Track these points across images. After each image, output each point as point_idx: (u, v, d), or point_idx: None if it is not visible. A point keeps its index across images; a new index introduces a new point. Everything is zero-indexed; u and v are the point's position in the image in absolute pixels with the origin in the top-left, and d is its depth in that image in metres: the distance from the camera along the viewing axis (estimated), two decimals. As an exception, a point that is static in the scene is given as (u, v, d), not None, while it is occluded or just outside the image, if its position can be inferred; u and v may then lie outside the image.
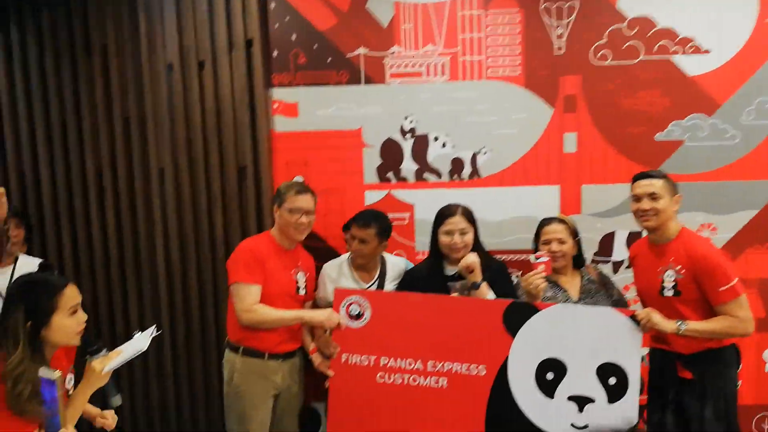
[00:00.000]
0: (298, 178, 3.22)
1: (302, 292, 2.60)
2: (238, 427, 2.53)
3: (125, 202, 3.21)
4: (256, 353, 2.51)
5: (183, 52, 3.11)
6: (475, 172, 3.24)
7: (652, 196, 2.38)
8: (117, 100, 3.16)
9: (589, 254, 3.22)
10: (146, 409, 3.31)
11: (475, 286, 2.40)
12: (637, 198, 2.44)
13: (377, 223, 2.68)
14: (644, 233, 2.64)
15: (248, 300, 2.43)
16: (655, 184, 2.40)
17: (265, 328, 2.48)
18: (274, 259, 2.54)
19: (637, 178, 2.48)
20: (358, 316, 2.42)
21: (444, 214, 2.50)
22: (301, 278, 2.61)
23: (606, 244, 3.24)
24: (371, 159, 3.24)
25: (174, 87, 3.14)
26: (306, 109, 3.21)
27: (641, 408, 2.54)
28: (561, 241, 2.56)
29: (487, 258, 2.49)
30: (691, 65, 3.13)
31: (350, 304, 2.42)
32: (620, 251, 3.21)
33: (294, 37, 3.16)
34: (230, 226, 3.19)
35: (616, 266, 3.24)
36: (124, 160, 3.20)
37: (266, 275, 2.49)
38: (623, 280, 3.10)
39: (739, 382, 3.16)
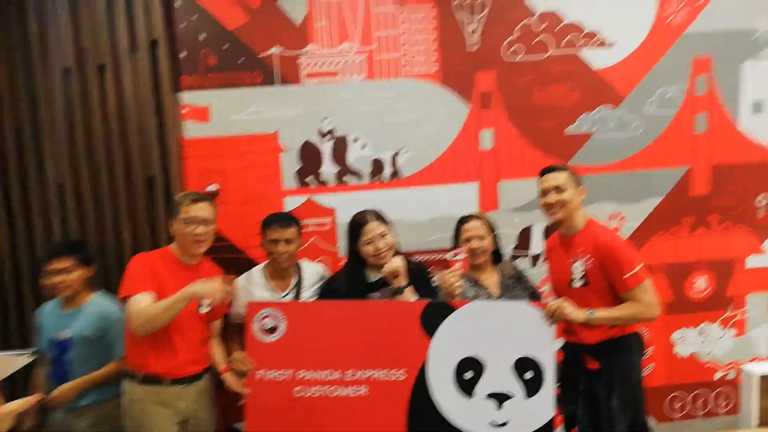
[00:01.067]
0: (212, 187, 3.09)
1: (204, 309, 2.46)
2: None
3: (21, 223, 2.97)
4: (155, 380, 2.37)
5: (80, 55, 2.90)
6: (396, 172, 3.22)
7: (558, 189, 2.45)
8: (7, 110, 2.91)
9: (508, 249, 3.30)
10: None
11: (400, 291, 2.38)
12: (544, 192, 2.51)
13: (295, 221, 2.62)
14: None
15: (139, 305, 2.27)
16: (560, 177, 2.47)
17: (160, 350, 2.33)
18: (172, 275, 2.39)
19: (543, 172, 2.55)
20: (273, 330, 2.34)
21: (358, 223, 2.45)
22: None
23: (524, 238, 3.32)
24: (289, 163, 3.15)
25: (72, 94, 2.92)
26: (218, 113, 3.07)
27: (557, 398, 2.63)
28: (480, 238, 2.59)
29: (405, 260, 2.47)
30: (596, 59, 3.23)
31: (264, 318, 2.33)
32: (538, 244, 3.30)
33: (202, 36, 3.01)
34: (140, 242, 3.01)
35: (535, 259, 3.33)
36: (18, 175, 2.94)
37: (163, 293, 2.33)
38: (541, 273, 3.19)
39: (648, 368, 3.40)
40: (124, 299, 2.34)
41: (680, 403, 3.49)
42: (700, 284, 3.42)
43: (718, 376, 3.48)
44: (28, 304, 3.03)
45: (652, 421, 3.44)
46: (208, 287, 2.26)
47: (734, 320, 3.45)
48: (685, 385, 3.47)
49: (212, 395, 2.57)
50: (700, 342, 3.45)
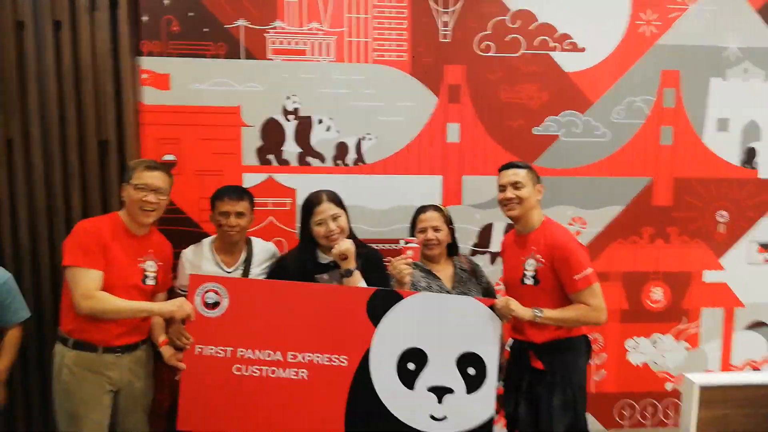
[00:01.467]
0: (168, 157, 2.99)
1: (150, 282, 2.38)
2: (69, 427, 2.28)
3: (-35, 175, 2.83)
4: (88, 346, 2.28)
5: (36, 9, 2.77)
6: (359, 158, 3.16)
7: (516, 186, 2.42)
8: (-45, 60, 2.78)
9: (467, 245, 3.26)
10: None
11: (348, 274, 2.31)
12: (502, 187, 2.47)
13: (248, 195, 2.56)
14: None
15: (89, 285, 2.19)
16: (519, 174, 2.44)
17: (105, 319, 2.24)
18: (118, 244, 2.30)
19: (502, 168, 2.52)
20: (215, 305, 2.25)
21: (311, 203, 2.38)
22: (150, 267, 2.38)
23: (484, 235, 3.28)
24: (251, 140, 3.07)
25: (25, 48, 2.80)
26: (179, 82, 2.98)
27: (500, 397, 2.58)
28: (436, 229, 2.55)
29: (360, 245, 2.40)
30: (568, 62, 3.23)
31: (206, 292, 2.25)
32: (497, 242, 3.27)
33: (167, 1, 2.92)
34: (90, 207, 2.90)
35: (494, 257, 3.29)
36: (-36, 127, 2.82)
37: (107, 261, 2.25)
38: (499, 271, 3.15)
39: (600, 374, 3.38)
40: (65, 267, 2.25)
41: (629, 411, 3.47)
42: (656, 295, 3.42)
43: (669, 387, 3.47)
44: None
45: (600, 427, 3.43)
46: (169, 307, 2.23)
47: (688, 333, 3.45)
48: (636, 394, 3.46)
49: (149, 366, 2.48)
50: (652, 352, 3.44)
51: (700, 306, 3.46)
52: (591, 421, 3.36)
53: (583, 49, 3.24)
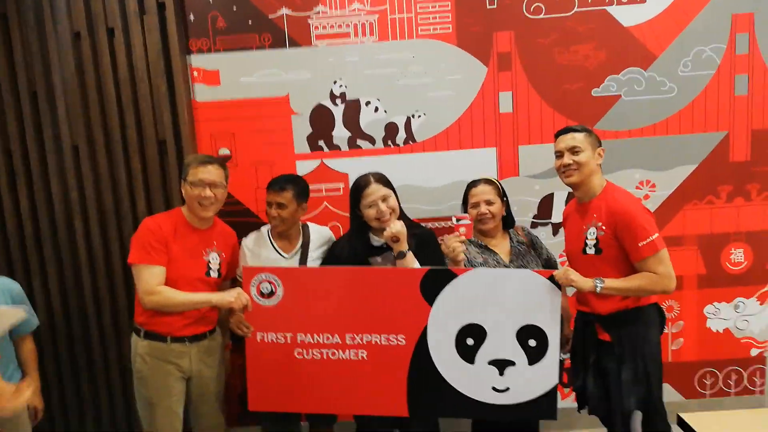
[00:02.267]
0: (224, 151, 3.07)
1: (214, 274, 2.44)
2: (145, 412, 2.41)
3: (39, 183, 3.02)
4: (158, 336, 2.38)
5: (90, 18, 2.91)
6: (409, 137, 3.12)
7: (573, 150, 2.30)
8: (22, 74, 2.95)
9: (528, 217, 3.16)
10: (77, 396, 3.17)
11: (401, 256, 2.29)
12: (559, 153, 2.36)
13: (293, 185, 2.55)
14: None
15: (151, 281, 2.29)
16: (577, 138, 2.31)
17: (170, 312, 2.34)
18: (182, 239, 2.37)
19: (558, 133, 2.39)
20: (270, 294, 2.30)
21: (359, 187, 2.36)
22: (215, 259, 2.45)
23: (545, 206, 3.17)
24: (301, 127, 3.10)
25: (83, 57, 2.94)
26: (228, 77, 3.04)
27: (568, 371, 2.51)
28: (489, 202, 2.48)
29: (412, 226, 2.38)
30: (626, 15, 3.04)
31: (261, 282, 2.29)
32: (559, 213, 3.14)
33: (211, -2, 2.97)
34: (154, 205, 3.03)
35: (555, 228, 3.18)
36: (35, 138, 2.99)
37: (171, 257, 2.33)
38: (562, 243, 3.04)
39: (678, 342, 3.22)
40: (131, 264, 2.35)
41: (711, 380, 3.30)
42: (738, 257, 3.20)
43: (755, 353, 3.27)
44: (52, 269, 3.10)
45: (680, 398, 3.28)
46: (228, 298, 2.28)
47: (774, 295, 3.22)
48: (718, 362, 3.28)
49: (219, 355, 2.56)
50: (735, 317, 3.24)
51: (787, 266, 3.21)
52: (670, 391, 3.23)
53: (643, 1, 3.03)
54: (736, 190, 3.16)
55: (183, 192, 2.40)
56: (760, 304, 3.23)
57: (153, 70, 2.93)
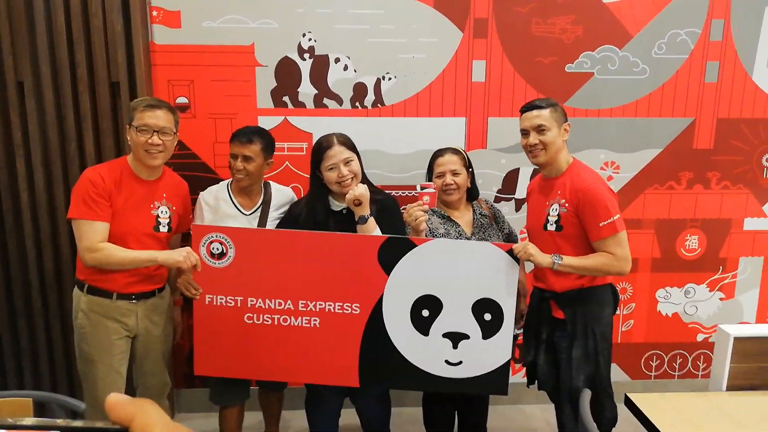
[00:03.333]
0: (181, 100, 2.91)
1: (164, 229, 2.31)
2: (85, 368, 2.30)
3: (-22, 118, 2.80)
4: (102, 293, 2.25)
5: (41, -57, 2.67)
6: (378, 99, 3.02)
7: (539, 129, 2.24)
8: (-38, -1, 2.70)
9: (492, 191, 3.13)
10: (14, 347, 3.02)
11: (362, 221, 2.21)
12: (524, 132, 2.30)
13: (260, 138, 2.43)
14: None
15: (92, 238, 2.14)
16: (543, 115, 2.24)
17: (114, 269, 2.21)
18: (127, 191, 2.22)
19: (523, 109, 2.32)
20: (221, 255, 2.19)
21: (321, 147, 2.25)
22: (164, 213, 2.30)
23: (510, 180, 3.14)
24: (265, 80, 2.95)
25: (31, -16, 2.70)
26: (190, 20, 2.85)
27: (521, 347, 2.51)
28: (455, 173, 2.42)
29: (374, 191, 2.30)
30: (605, -9, 2.97)
31: (211, 242, 2.17)
32: (523, 189, 3.12)
33: (175, -67, 2.77)
34: (104, 149, 2.86)
35: (519, 203, 3.15)
36: (-25, 70, 2.77)
37: (115, 210, 2.18)
38: (525, 219, 3.02)
39: (628, 324, 3.27)
40: (72, 219, 2.20)
41: (657, 362, 3.38)
42: (692, 243, 3.25)
43: (700, 338, 3.35)
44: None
45: (626, 378, 3.35)
46: (176, 257, 2.14)
47: (723, 282, 3.30)
48: (665, 344, 3.36)
49: (168, 313, 2.45)
50: (684, 302, 3.31)
51: (738, 255, 3.28)
52: (616, 371, 3.29)
53: (623, -23, 2.97)
54: (696, 177, 3.19)
55: (128, 138, 2.24)
56: (710, 291, 3.31)
57: (108, 4, 2.72)
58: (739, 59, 3.07)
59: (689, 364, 3.40)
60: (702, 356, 3.39)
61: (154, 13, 2.83)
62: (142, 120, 2.17)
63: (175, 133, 2.26)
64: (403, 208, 2.34)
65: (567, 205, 2.21)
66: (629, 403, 2.03)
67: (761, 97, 3.12)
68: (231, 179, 2.54)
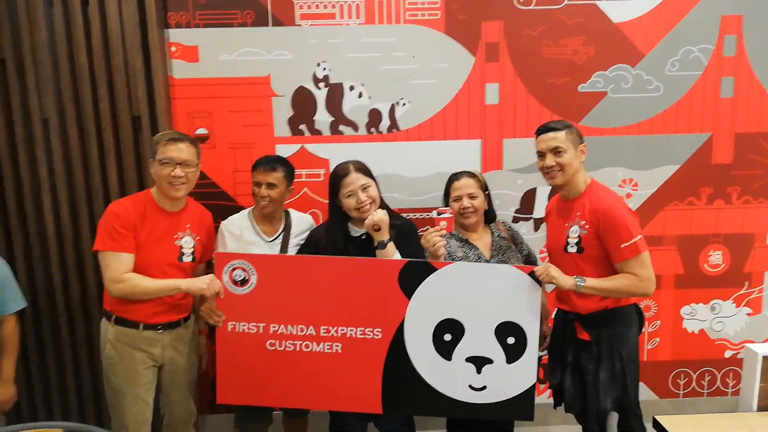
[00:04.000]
0: (201, 131, 2.97)
1: (188, 259, 2.35)
2: (113, 399, 2.33)
3: (6, 157, 2.88)
4: (129, 323, 2.29)
5: (63, -15, 2.76)
6: (393, 124, 3.05)
7: (556, 151, 2.24)
8: (-11, 41, 2.80)
9: (510, 212, 3.13)
10: (43, 378, 3.06)
11: (382, 245, 2.23)
12: (541, 154, 2.30)
13: (283, 166, 2.49)
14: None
15: (118, 269, 2.19)
16: (559, 137, 2.25)
17: (140, 299, 2.25)
18: (151, 223, 2.27)
19: (539, 132, 2.32)
20: (244, 282, 2.21)
21: (338, 176, 2.28)
22: (188, 243, 2.35)
23: (527, 200, 3.14)
24: (282, 110, 3.01)
25: (55, 25, 2.79)
26: (207, 54, 2.93)
27: (545, 367, 2.48)
28: (472, 196, 2.42)
29: (391, 217, 2.31)
30: (616, 11, 3.00)
31: (234, 270, 2.20)
32: (541, 208, 3.12)
33: (192, -29, 2.85)
34: (127, 184, 2.92)
35: (537, 223, 3.15)
36: (2, 110, 2.85)
37: (140, 242, 2.23)
38: (543, 238, 3.01)
39: (653, 342, 3.23)
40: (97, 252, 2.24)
41: (685, 380, 3.32)
42: (716, 258, 3.21)
43: (728, 354, 3.29)
44: (18, 247, 2.97)
45: (654, 397, 3.29)
46: (199, 285, 2.18)
47: (749, 298, 3.24)
48: (692, 362, 3.30)
49: (193, 343, 2.48)
50: (710, 318, 3.26)
51: (764, 269, 3.23)
52: (644, 390, 3.23)
53: (633, -3, 3.00)
54: (716, 193, 3.17)
55: (152, 171, 2.29)
56: (736, 307, 3.25)
57: (129, 42, 2.81)
58: (754, 74, 3.06)
59: (718, 381, 3.33)
60: (731, 373, 3.32)
61: (173, 49, 2.91)
62: (166, 153, 2.23)
63: (197, 165, 2.31)
64: (424, 229, 2.35)
65: (587, 226, 2.21)
66: (657, 426, 2.00)
67: (777, 110, 3.10)
68: (252, 207, 2.58)
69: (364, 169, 2.30)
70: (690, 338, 3.27)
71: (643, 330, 2.41)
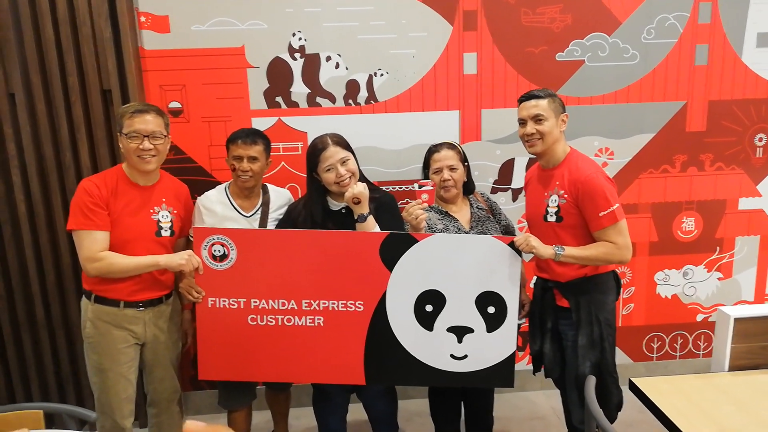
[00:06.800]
0: (174, 104, 2.90)
1: (166, 233, 2.31)
2: (95, 378, 2.30)
3: (-29, 132, 2.79)
4: (109, 301, 2.26)
5: (24, -48, 2.65)
6: (371, 96, 3.02)
7: (537, 119, 2.25)
8: (-52, 12, 2.68)
9: (488, 182, 3.14)
10: (20, 359, 3.02)
11: (362, 218, 2.22)
12: (522, 121, 2.31)
13: (262, 139, 2.45)
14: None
15: (93, 248, 2.15)
16: (540, 105, 2.25)
17: (118, 278, 2.22)
18: (124, 197, 2.22)
19: (521, 99, 2.33)
20: (223, 258, 2.19)
21: (317, 149, 2.25)
22: (165, 217, 2.31)
23: (506, 171, 3.15)
24: (257, 82, 2.95)
25: (17, -5, 2.69)
26: (179, 24, 2.84)
27: (522, 334, 2.52)
28: (452, 168, 2.42)
29: (371, 189, 2.30)
30: (593, -21, 2.98)
31: (212, 245, 2.18)
32: (519, 179, 3.14)
33: (160, -63, 2.75)
34: (99, 158, 2.85)
35: (516, 194, 3.17)
36: (-36, 83, 2.75)
37: (114, 218, 2.19)
38: (521, 208, 3.04)
39: (628, 307, 3.30)
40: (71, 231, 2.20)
41: (658, 344, 3.42)
42: (689, 225, 3.28)
43: (699, 318, 3.39)
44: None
45: (628, 360, 3.39)
46: (177, 260, 2.16)
47: (721, 263, 3.33)
48: (665, 326, 3.39)
49: (176, 320, 2.45)
50: (683, 283, 3.34)
51: (735, 235, 3.31)
52: (620, 355, 3.32)
53: (609, -37, 2.98)
54: (690, 160, 3.22)
55: (120, 145, 2.23)
56: (708, 272, 3.34)
57: (96, 11, 2.70)
58: (728, 41, 3.09)
59: (690, 345, 3.44)
60: (702, 336, 3.43)
61: (143, 19, 2.82)
62: (132, 126, 2.17)
63: (166, 136, 2.25)
64: (405, 202, 2.35)
65: (566, 195, 2.23)
66: (634, 388, 2.06)
67: (751, 77, 3.14)
68: (228, 183, 2.54)
69: (342, 143, 2.27)
70: (663, 303, 3.36)
71: (619, 296, 2.47)
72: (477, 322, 2.20)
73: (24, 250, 2.90)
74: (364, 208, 2.22)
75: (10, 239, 2.89)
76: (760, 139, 3.22)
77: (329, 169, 2.23)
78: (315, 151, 2.25)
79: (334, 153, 2.22)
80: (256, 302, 2.21)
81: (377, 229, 2.24)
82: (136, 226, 2.23)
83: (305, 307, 2.21)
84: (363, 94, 3.00)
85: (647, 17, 3.04)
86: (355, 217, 2.23)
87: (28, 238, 2.89)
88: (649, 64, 3.09)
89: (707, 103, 3.15)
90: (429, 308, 2.20)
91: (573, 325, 2.31)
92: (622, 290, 2.46)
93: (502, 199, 3.14)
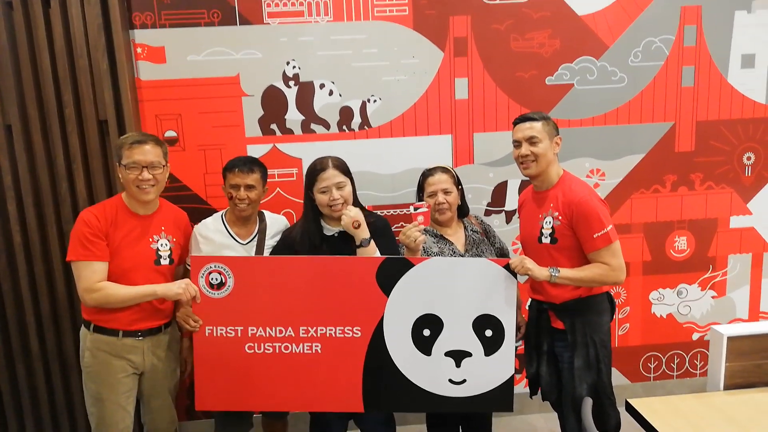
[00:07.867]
0: (170, 133, 2.93)
1: (165, 262, 2.32)
2: (92, 407, 2.29)
3: (-33, 164, 2.80)
4: (108, 331, 2.25)
5: (22, -13, 2.69)
6: (365, 122, 3.06)
7: (531, 141, 2.29)
8: (-54, 46, 2.72)
9: (482, 204, 3.17)
10: (14, 391, 3.00)
11: (365, 243, 2.23)
12: (517, 143, 2.35)
13: (259, 167, 2.48)
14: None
15: (91, 278, 2.16)
16: (535, 127, 2.30)
17: (117, 308, 2.22)
18: (123, 227, 2.24)
19: (516, 121, 2.37)
20: (220, 286, 2.20)
21: (316, 169, 2.28)
22: (164, 246, 2.32)
23: (499, 193, 3.18)
24: (252, 109, 2.99)
25: (15, 28, 2.72)
26: (174, 54, 2.89)
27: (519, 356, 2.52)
28: (446, 192, 2.45)
29: (365, 214, 2.32)
30: (580, 4, 3.05)
31: (210, 273, 2.19)
32: (513, 201, 3.17)
33: (155, -29, 2.81)
34: (95, 189, 2.87)
35: (509, 216, 3.20)
36: (-38, 116, 2.78)
37: (113, 248, 2.20)
38: (515, 230, 3.07)
39: (624, 328, 3.31)
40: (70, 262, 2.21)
41: (655, 364, 3.42)
42: (681, 244, 3.31)
43: (695, 337, 3.40)
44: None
45: (625, 381, 3.39)
46: (175, 290, 2.17)
47: (714, 281, 3.35)
48: (661, 346, 3.40)
49: (174, 349, 2.44)
50: (678, 303, 3.36)
51: (727, 253, 3.34)
52: (617, 375, 3.32)
53: (596, -11, 3.05)
54: (680, 180, 3.26)
55: (120, 176, 2.25)
56: (702, 290, 3.36)
57: (93, 44, 2.74)
58: (713, 63, 3.16)
59: (687, 364, 3.45)
60: (699, 354, 3.43)
61: (139, 50, 2.86)
62: (131, 157, 2.19)
63: (165, 165, 2.27)
64: (400, 225, 2.36)
65: (560, 217, 2.25)
66: (630, 409, 2.06)
67: (737, 98, 3.20)
68: (225, 210, 2.56)
69: (342, 167, 2.30)
70: (659, 323, 3.37)
71: (614, 317, 2.48)
72: (475, 345, 2.21)
73: (19, 280, 2.90)
74: (365, 233, 2.24)
75: (6, 270, 2.89)
76: (749, 158, 3.27)
77: (324, 191, 2.25)
78: (314, 171, 2.28)
79: (331, 176, 2.24)
80: (253, 330, 2.21)
81: (378, 254, 2.25)
82: (136, 255, 2.24)
83: (302, 334, 2.21)
84: (357, 120, 3.04)
85: (634, 41, 3.10)
86: (357, 243, 2.24)
87: (23, 269, 2.89)
88: (637, 87, 3.15)
89: (695, 123, 3.21)
90: (427, 332, 2.21)
91: (568, 347, 2.31)
92: (617, 310, 2.48)
93: (496, 221, 3.17)
